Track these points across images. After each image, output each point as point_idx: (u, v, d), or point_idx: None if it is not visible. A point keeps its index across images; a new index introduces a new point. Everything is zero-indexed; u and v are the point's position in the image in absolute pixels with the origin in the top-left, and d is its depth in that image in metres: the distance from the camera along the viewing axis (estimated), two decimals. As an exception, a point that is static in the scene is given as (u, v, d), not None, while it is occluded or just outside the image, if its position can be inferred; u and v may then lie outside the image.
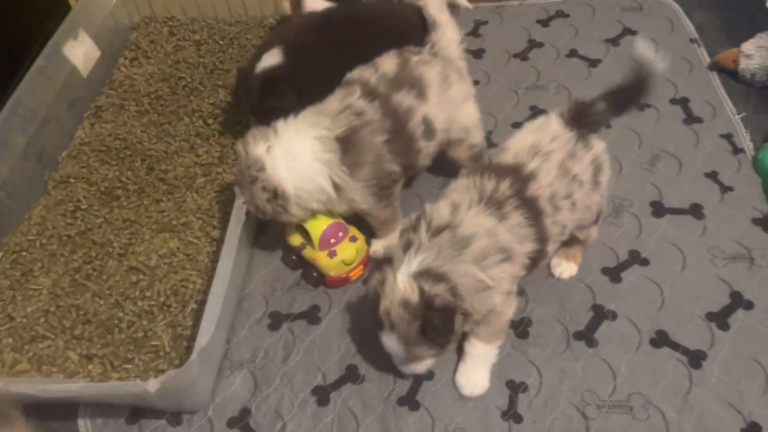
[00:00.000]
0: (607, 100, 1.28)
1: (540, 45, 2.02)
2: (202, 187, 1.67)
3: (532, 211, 1.22)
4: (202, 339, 1.19)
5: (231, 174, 1.66)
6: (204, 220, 1.60)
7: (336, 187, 1.39)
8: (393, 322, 1.18)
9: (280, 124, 1.39)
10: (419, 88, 1.45)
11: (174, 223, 1.60)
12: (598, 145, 1.31)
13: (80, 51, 1.95)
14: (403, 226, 1.27)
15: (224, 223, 1.57)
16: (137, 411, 1.31)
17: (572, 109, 1.29)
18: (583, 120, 1.28)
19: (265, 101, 1.54)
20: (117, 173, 1.72)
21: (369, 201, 1.43)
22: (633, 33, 2.01)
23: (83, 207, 1.65)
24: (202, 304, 1.42)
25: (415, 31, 1.59)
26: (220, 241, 1.53)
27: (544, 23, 2.09)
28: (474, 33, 2.08)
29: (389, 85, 1.44)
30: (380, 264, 1.48)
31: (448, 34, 1.54)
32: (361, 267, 1.49)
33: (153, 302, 1.43)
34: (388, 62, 1.47)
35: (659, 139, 1.70)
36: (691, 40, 1.97)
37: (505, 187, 1.22)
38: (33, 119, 1.73)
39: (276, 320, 1.44)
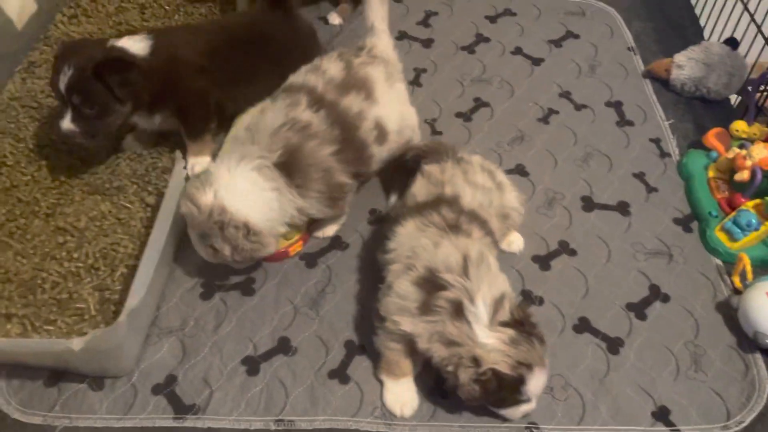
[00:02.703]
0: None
1: (487, 40, 2.06)
2: (138, 152, 1.62)
3: (480, 221, 1.28)
4: (133, 300, 1.16)
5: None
6: (139, 185, 1.55)
7: (292, 207, 1.35)
8: (530, 361, 1.12)
9: (213, 166, 1.34)
10: (367, 90, 1.41)
11: (107, 186, 1.54)
12: (473, 156, 1.45)
13: (15, 3, 1.86)
14: (414, 301, 1.16)
15: (160, 190, 1.53)
16: (57, 374, 1.27)
17: (428, 154, 1.45)
18: (440, 152, 1.44)
19: (101, 77, 1.37)
20: (47, 131, 1.65)
21: (324, 211, 1.41)
22: (575, 37, 2.09)
23: (9, 163, 1.57)
24: (132, 269, 1.38)
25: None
26: (155, 208, 1.50)
27: (492, 19, 2.14)
28: (424, 23, 2.11)
29: (337, 90, 1.39)
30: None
31: (384, 40, 1.53)
32: (300, 242, 1.48)
33: (80, 264, 1.38)
34: (332, 65, 1.43)
35: (593, 138, 1.78)
36: (629, 48, 2.06)
37: (447, 211, 1.26)
38: (-42, 68, 1.64)
39: (209, 289, 1.42)
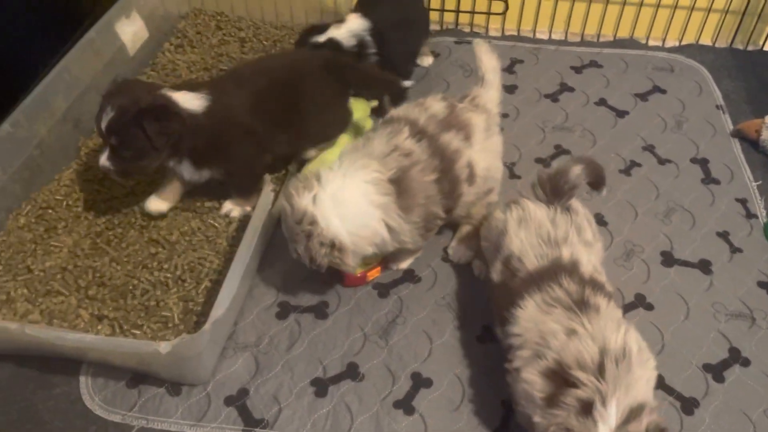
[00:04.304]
0: (583, 164, 1.33)
1: (571, 89, 2.08)
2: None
3: (600, 287, 1.22)
4: (217, 311, 1.22)
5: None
6: (227, 205, 1.64)
7: (390, 229, 1.36)
8: None
9: (323, 171, 1.35)
10: (466, 132, 1.44)
11: (197, 204, 1.63)
12: (577, 203, 1.37)
13: (130, 30, 2.01)
14: (540, 391, 1.10)
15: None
16: (138, 377, 1.34)
17: (547, 185, 1.34)
18: (561, 190, 1.32)
19: (139, 122, 1.38)
20: (149, 149, 1.76)
21: (417, 241, 1.43)
22: (662, 92, 2.07)
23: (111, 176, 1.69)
24: (215, 283, 1.45)
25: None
26: (240, 228, 1.58)
27: (578, 70, 2.16)
28: (509, 69, 2.15)
29: (439, 125, 1.42)
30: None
31: (491, 93, 1.54)
32: (378, 269, 1.52)
33: (169, 275, 1.46)
34: (436, 104, 1.47)
35: (676, 193, 1.75)
36: (717, 106, 2.03)
37: (568, 282, 1.20)
38: (76, 86, 1.77)
39: (284, 310, 1.47)
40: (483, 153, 1.47)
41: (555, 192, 1.34)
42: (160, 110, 1.41)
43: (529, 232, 1.29)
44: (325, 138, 1.68)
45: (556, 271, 1.22)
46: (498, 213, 1.40)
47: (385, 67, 1.79)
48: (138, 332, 1.36)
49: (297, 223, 1.31)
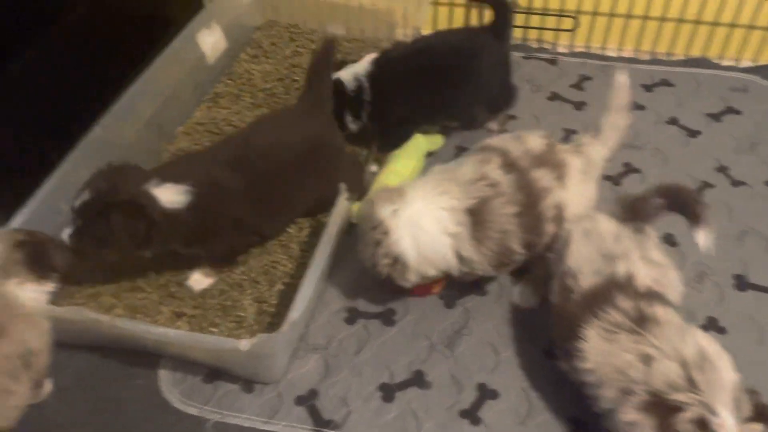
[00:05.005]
0: (664, 197, 1.33)
1: (641, 107, 2.06)
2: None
3: (657, 296, 1.22)
4: (294, 313, 1.26)
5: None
6: (299, 212, 1.69)
7: (460, 258, 1.38)
8: None
9: (409, 187, 1.38)
10: (560, 172, 1.42)
11: (272, 209, 1.69)
12: (650, 229, 1.35)
13: (210, 40, 2.09)
14: (650, 428, 1.10)
15: (319, 219, 1.66)
16: (214, 373, 1.39)
17: (626, 206, 1.34)
18: (637, 215, 1.32)
19: (107, 217, 1.31)
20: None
21: (488, 272, 1.44)
22: (736, 112, 2.04)
23: (191, 180, 1.76)
24: (288, 286, 1.50)
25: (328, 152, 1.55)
26: (312, 233, 1.62)
27: (648, 88, 2.14)
28: (577, 86, 2.15)
29: (532, 161, 1.41)
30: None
31: (599, 146, 1.50)
32: (444, 281, 1.54)
33: (245, 277, 1.52)
34: (535, 140, 1.45)
35: (750, 216, 1.72)
36: (795, 129, 1.98)
37: (623, 301, 1.19)
38: (161, 93, 1.87)
39: (353, 315, 1.51)
40: (577, 197, 1.43)
41: (633, 213, 1.34)
42: (131, 208, 1.33)
43: (591, 245, 1.30)
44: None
45: (609, 289, 1.21)
46: (569, 224, 1.41)
47: (376, 124, 1.75)
48: (215, 330, 1.42)
49: (371, 229, 1.36)
